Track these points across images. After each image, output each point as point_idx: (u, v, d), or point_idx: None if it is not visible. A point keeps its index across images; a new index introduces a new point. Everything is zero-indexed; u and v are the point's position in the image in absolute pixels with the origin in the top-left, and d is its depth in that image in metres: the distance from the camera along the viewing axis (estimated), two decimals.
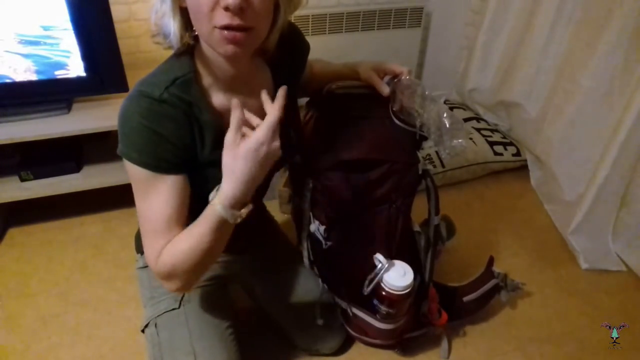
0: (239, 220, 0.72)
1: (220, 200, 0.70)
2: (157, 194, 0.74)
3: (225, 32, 0.64)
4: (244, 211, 0.72)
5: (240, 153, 0.69)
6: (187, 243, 0.73)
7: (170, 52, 0.76)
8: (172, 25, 0.68)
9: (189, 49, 0.74)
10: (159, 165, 0.72)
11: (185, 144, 0.75)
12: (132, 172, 0.73)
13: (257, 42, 0.71)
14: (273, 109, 0.71)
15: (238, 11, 0.62)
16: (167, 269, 0.75)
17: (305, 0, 0.76)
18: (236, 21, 0.63)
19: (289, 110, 0.92)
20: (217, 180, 0.79)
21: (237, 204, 0.71)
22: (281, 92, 0.74)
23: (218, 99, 0.78)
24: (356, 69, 0.98)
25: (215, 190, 0.72)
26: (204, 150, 0.78)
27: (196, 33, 0.70)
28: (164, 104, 0.71)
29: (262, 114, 0.83)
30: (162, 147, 0.72)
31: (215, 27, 0.64)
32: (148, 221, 0.75)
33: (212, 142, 0.78)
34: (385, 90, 0.92)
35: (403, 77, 0.91)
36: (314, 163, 0.97)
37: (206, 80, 0.76)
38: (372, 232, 0.95)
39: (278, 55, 0.80)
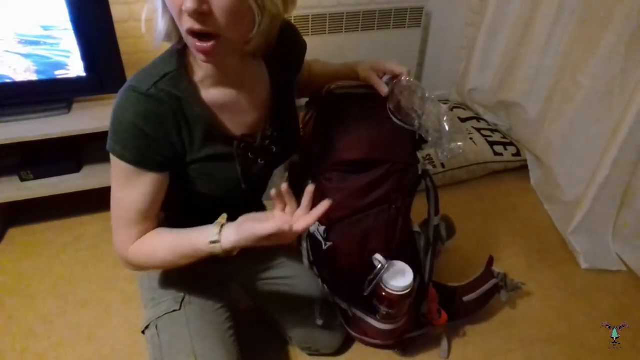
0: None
1: (223, 245, 0.73)
2: (135, 188, 0.76)
3: (193, 39, 0.64)
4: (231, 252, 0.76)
5: (252, 229, 0.70)
6: (165, 255, 0.80)
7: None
8: (160, 24, 0.69)
9: (183, 45, 0.74)
10: (141, 162, 0.74)
11: (171, 141, 0.75)
12: (115, 163, 0.75)
13: (229, 50, 0.69)
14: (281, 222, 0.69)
15: (196, 16, 0.61)
16: (134, 261, 0.83)
17: (285, 7, 0.70)
18: (197, 26, 0.63)
19: (286, 109, 0.92)
20: (209, 176, 0.81)
21: (232, 251, 0.75)
22: (306, 194, 0.73)
23: (209, 93, 0.78)
24: (355, 68, 0.98)
25: (217, 232, 0.74)
26: (193, 146, 0.78)
27: None
28: (151, 99, 0.71)
29: (254, 109, 0.84)
30: (146, 145, 0.73)
31: (186, 30, 0.65)
32: (123, 209, 0.79)
33: (203, 137, 0.78)
34: (384, 89, 0.92)
35: (403, 78, 0.91)
36: (314, 163, 0.97)
37: (197, 75, 0.77)
38: (371, 232, 0.95)
39: (275, 53, 0.80)
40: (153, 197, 0.78)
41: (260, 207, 1.17)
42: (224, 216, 0.78)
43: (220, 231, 0.74)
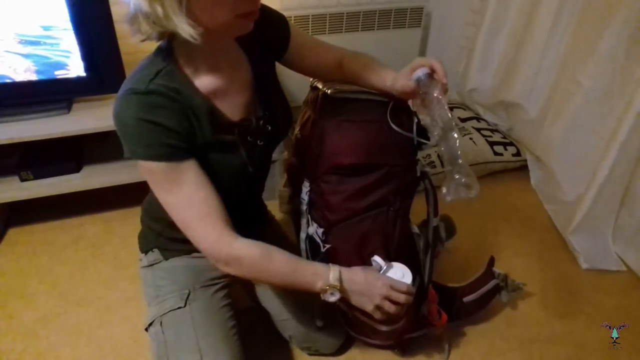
0: (327, 296, 0.83)
1: (332, 280, 0.82)
2: (183, 183, 0.74)
3: (249, 19, 0.71)
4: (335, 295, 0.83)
5: (370, 280, 0.85)
6: (282, 265, 0.82)
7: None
8: (184, 22, 0.66)
9: (168, 43, 0.74)
10: (168, 153, 0.72)
11: (184, 127, 0.74)
12: (149, 170, 0.73)
13: None
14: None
15: None
16: (243, 258, 0.80)
17: None
18: (259, 5, 0.71)
19: (270, 87, 0.91)
20: (218, 164, 0.80)
21: (336, 285, 0.82)
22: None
23: (203, 82, 0.77)
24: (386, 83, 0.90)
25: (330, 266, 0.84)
26: (203, 133, 0.77)
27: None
28: (152, 95, 0.71)
29: (244, 91, 0.84)
30: (164, 135, 0.72)
31: (239, 15, 0.67)
32: (191, 209, 0.76)
33: (209, 124, 0.77)
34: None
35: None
36: (312, 165, 0.97)
37: (189, 67, 0.76)
38: (370, 235, 0.95)
39: (249, 36, 0.77)
40: (206, 181, 0.76)
41: (262, 208, 1.18)
42: None
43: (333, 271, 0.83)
